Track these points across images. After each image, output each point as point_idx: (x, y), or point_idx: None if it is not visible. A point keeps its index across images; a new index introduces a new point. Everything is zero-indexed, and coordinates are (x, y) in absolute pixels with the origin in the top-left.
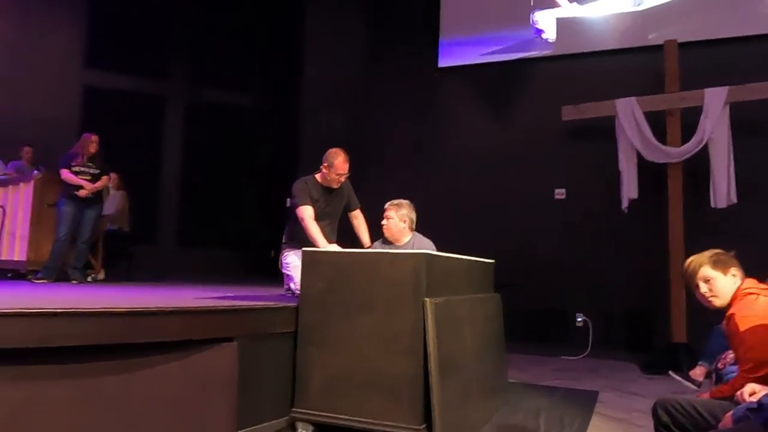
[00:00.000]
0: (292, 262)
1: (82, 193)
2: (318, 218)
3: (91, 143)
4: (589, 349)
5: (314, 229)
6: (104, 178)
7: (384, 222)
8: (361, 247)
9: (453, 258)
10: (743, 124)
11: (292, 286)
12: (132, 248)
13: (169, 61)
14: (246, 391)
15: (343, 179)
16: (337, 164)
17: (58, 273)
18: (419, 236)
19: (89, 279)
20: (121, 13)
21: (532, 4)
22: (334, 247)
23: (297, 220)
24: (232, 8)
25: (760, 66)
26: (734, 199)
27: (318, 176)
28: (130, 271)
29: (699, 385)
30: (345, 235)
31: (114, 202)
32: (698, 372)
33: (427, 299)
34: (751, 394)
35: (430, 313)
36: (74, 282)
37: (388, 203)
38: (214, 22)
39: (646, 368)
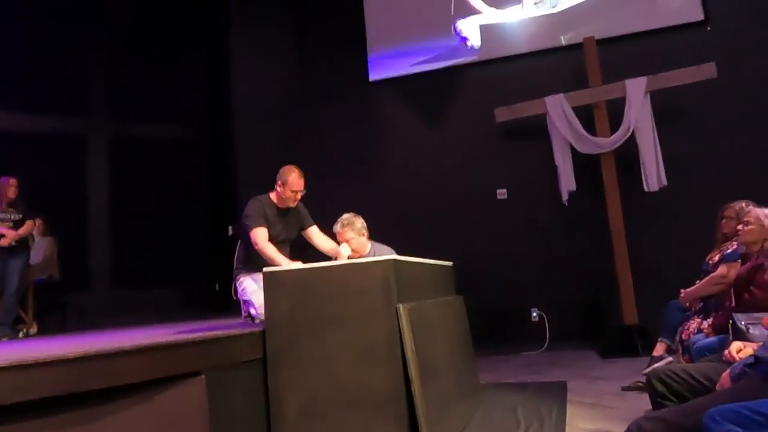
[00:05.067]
0: (249, 286)
1: (3, 242)
2: (273, 242)
3: (9, 187)
4: (547, 342)
5: (271, 250)
6: (28, 223)
7: (343, 245)
8: (329, 260)
9: (418, 262)
10: (666, 110)
11: (252, 311)
12: (64, 297)
13: (87, 97)
14: (219, 426)
15: (298, 196)
16: (291, 181)
17: None
18: (377, 244)
19: (21, 335)
20: (29, 50)
21: (452, 13)
22: (299, 264)
23: (250, 243)
24: (151, 37)
25: (671, 56)
26: (665, 182)
27: (272, 195)
28: (66, 322)
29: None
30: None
31: (41, 249)
32: (659, 348)
33: (400, 305)
34: (738, 351)
35: (405, 319)
36: (4, 339)
37: (338, 227)
38: (133, 52)
39: (604, 353)
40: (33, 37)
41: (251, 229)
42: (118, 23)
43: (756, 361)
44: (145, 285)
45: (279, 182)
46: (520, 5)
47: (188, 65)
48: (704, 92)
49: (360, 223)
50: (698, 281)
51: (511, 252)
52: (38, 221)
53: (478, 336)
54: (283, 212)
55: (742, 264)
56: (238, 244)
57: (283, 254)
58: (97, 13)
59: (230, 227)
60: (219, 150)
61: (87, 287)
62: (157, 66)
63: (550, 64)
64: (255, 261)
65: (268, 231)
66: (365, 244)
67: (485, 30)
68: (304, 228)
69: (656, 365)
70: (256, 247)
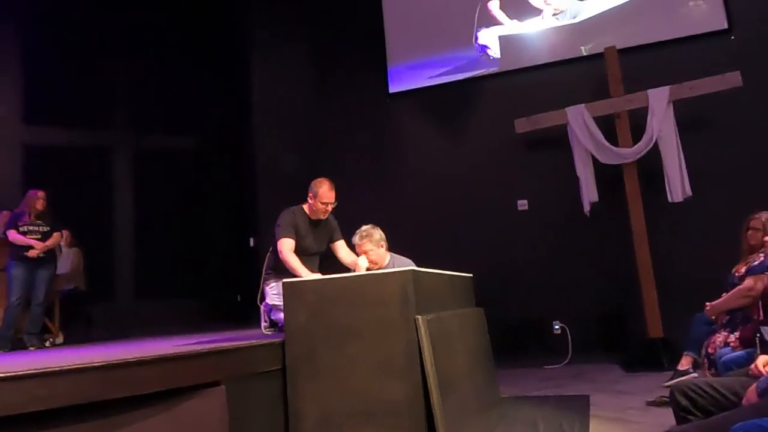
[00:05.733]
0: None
1: (32, 253)
2: (303, 254)
3: (38, 200)
4: (569, 355)
5: (293, 261)
6: (56, 235)
7: (361, 257)
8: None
9: (437, 273)
10: (691, 120)
11: (279, 316)
12: (90, 307)
13: (111, 110)
14: None
15: (329, 208)
16: (322, 193)
17: (13, 341)
18: (397, 256)
19: (47, 344)
20: (56, 66)
21: (475, 23)
22: (317, 276)
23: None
24: (174, 52)
25: (695, 65)
26: (689, 192)
27: (305, 207)
28: (90, 332)
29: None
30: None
31: (68, 260)
32: (684, 362)
33: (419, 316)
34: (765, 365)
35: (424, 331)
36: (32, 348)
37: (357, 239)
38: (156, 67)
39: (628, 366)
40: (59, 54)
41: (278, 237)
42: (141, 39)
43: None
44: (167, 295)
45: (310, 194)
46: (540, 17)
47: (210, 79)
48: (730, 101)
49: (378, 234)
50: (724, 294)
51: (532, 264)
52: (65, 233)
53: (499, 348)
54: (315, 224)
55: None
56: (270, 251)
57: (310, 267)
58: (121, 30)
59: (251, 238)
60: (240, 162)
61: (112, 297)
62: (179, 80)
63: (571, 75)
64: (284, 268)
65: (300, 243)
66: (384, 256)
67: (505, 41)
68: (332, 241)
69: (679, 378)
70: (280, 256)
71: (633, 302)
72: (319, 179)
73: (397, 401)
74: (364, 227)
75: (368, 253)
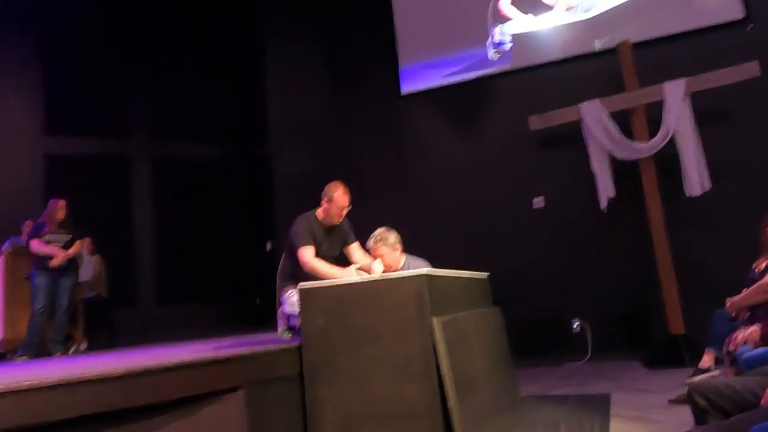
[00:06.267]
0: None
1: (54, 262)
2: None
3: (59, 209)
4: (590, 352)
5: (323, 267)
6: (77, 243)
7: (376, 261)
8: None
9: (452, 275)
10: (708, 112)
11: (297, 323)
12: (112, 314)
13: (129, 119)
14: None
15: (344, 213)
16: (337, 197)
17: (38, 349)
18: (412, 258)
19: (71, 351)
20: (76, 77)
21: (490, 22)
22: (352, 271)
23: (293, 255)
24: (189, 61)
25: (711, 56)
26: (707, 186)
27: (319, 212)
28: (113, 338)
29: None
30: None
31: (90, 268)
32: (707, 359)
33: (434, 319)
34: None
35: (439, 333)
36: (57, 356)
37: (371, 242)
38: (174, 76)
39: (650, 364)
40: (79, 64)
41: (298, 247)
42: (158, 49)
43: None
44: (188, 301)
45: (325, 199)
46: (552, 12)
47: (225, 87)
48: (747, 92)
49: (393, 237)
50: (745, 290)
51: (549, 261)
52: (86, 241)
53: (518, 347)
54: (329, 229)
55: None
56: (282, 259)
57: None
58: (138, 40)
59: (268, 243)
60: (256, 167)
61: (133, 304)
62: (196, 88)
63: (585, 71)
64: (300, 275)
65: (316, 250)
66: (399, 259)
67: (518, 39)
68: (347, 244)
69: (700, 376)
70: (305, 268)
71: (653, 298)
72: (333, 183)
73: (415, 404)
74: (379, 230)
75: (383, 257)
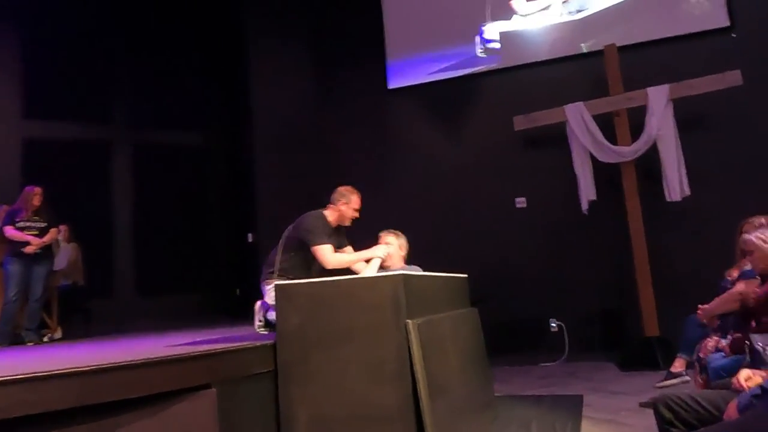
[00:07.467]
0: None
1: (29, 249)
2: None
3: (35, 195)
4: (566, 352)
5: (347, 257)
6: (53, 230)
7: (380, 246)
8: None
9: (429, 276)
10: (689, 119)
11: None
12: (88, 302)
13: (111, 105)
14: None
15: (357, 215)
16: (355, 201)
17: (11, 337)
18: (408, 267)
19: (45, 339)
20: (56, 60)
21: (488, 17)
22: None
23: (295, 251)
24: (172, 47)
25: (695, 63)
26: (687, 191)
27: (327, 213)
28: (89, 327)
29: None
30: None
31: (66, 256)
32: (678, 364)
33: (409, 321)
34: (746, 380)
35: (414, 336)
36: (29, 344)
37: (384, 232)
38: (155, 62)
39: (623, 365)
40: (58, 48)
41: (316, 244)
42: (140, 35)
43: (762, 392)
44: (166, 291)
45: (342, 201)
46: (548, 8)
47: (209, 74)
48: (729, 100)
49: (403, 240)
50: (717, 297)
51: (530, 261)
52: (63, 228)
53: (496, 346)
54: (335, 231)
55: (762, 283)
56: (276, 249)
57: (329, 271)
58: (120, 25)
59: (250, 234)
60: (238, 158)
61: (110, 293)
62: (178, 76)
63: (570, 72)
64: (293, 269)
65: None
66: (398, 261)
67: (504, 37)
68: (341, 247)
69: (667, 382)
70: (328, 265)
71: (630, 300)
72: (347, 187)
73: (389, 406)
74: (396, 231)
75: (388, 245)
